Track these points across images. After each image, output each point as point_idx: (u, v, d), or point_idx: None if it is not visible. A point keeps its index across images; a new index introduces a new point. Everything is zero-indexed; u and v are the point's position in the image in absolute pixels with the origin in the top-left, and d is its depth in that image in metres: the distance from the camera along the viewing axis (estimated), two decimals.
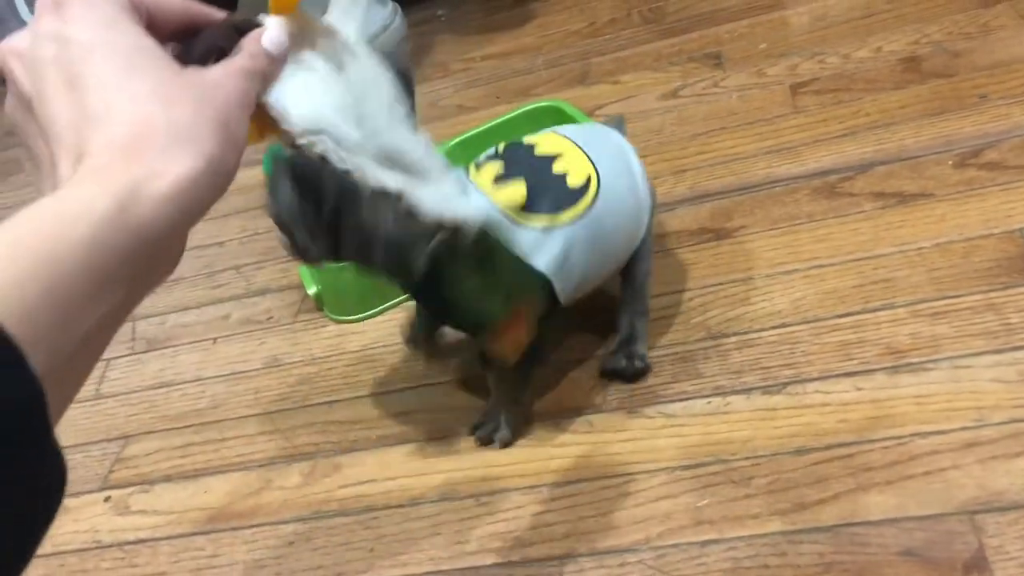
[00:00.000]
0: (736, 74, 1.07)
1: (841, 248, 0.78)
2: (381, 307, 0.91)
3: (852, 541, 0.57)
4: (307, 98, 0.44)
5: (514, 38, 1.39)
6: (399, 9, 1.58)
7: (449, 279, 0.59)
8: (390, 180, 0.48)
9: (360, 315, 0.90)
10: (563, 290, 0.66)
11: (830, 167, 0.88)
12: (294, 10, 0.43)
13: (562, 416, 0.73)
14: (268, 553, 0.71)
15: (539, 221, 0.64)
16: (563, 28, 1.36)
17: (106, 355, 1.01)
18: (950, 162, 0.83)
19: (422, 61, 1.44)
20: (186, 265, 1.08)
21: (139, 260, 0.32)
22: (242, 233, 1.14)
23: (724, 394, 0.70)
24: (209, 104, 0.36)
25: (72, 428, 0.91)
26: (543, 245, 0.64)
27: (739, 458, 0.65)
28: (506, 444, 0.72)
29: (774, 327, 0.74)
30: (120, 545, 0.76)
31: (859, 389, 0.66)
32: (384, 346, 0.87)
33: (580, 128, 0.75)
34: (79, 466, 0.86)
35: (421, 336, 0.76)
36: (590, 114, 1.10)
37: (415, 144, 0.50)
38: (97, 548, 0.77)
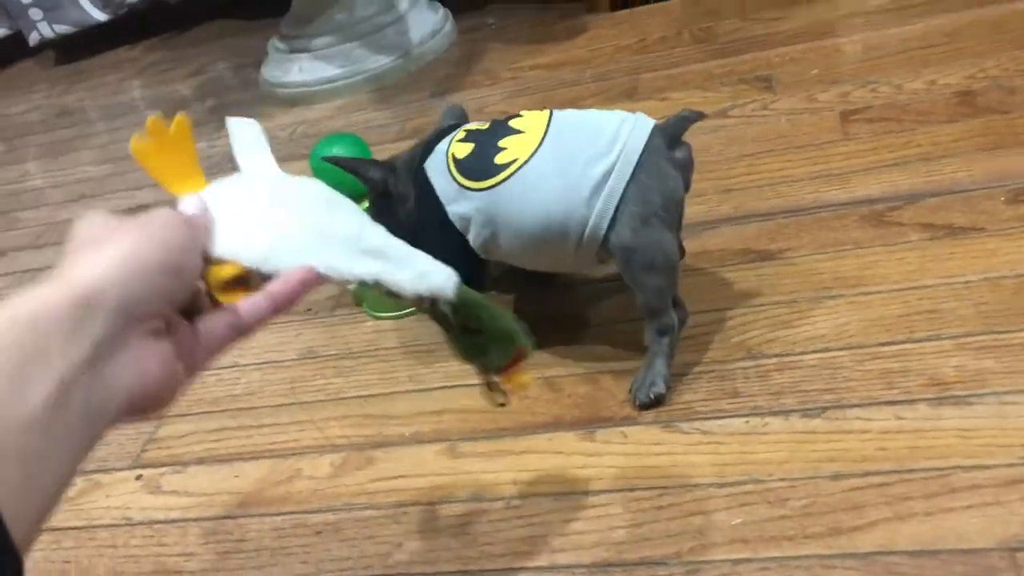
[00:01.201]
0: (786, 98, 1.07)
1: (887, 277, 0.78)
2: None
3: (888, 570, 0.56)
4: (248, 237, 0.48)
5: (564, 50, 1.40)
6: (450, 15, 1.60)
7: (448, 340, 0.59)
8: (363, 271, 0.49)
9: (398, 312, 0.91)
10: (473, 243, 0.76)
11: (879, 196, 0.87)
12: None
13: (596, 425, 0.73)
14: (296, 542, 0.71)
15: (463, 181, 0.73)
16: (613, 43, 1.36)
17: None
18: (1002, 198, 0.82)
19: (471, 68, 1.45)
20: None
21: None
22: None
23: (762, 415, 0.69)
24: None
25: None
26: (457, 200, 0.74)
27: (775, 479, 0.64)
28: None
29: (816, 351, 0.73)
30: (150, 523, 0.77)
31: (900, 418, 0.65)
32: (421, 344, 0.87)
33: (585, 117, 0.74)
34: (112, 443, 0.87)
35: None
36: None
37: (374, 232, 0.51)
38: (127, 525, 0.78)
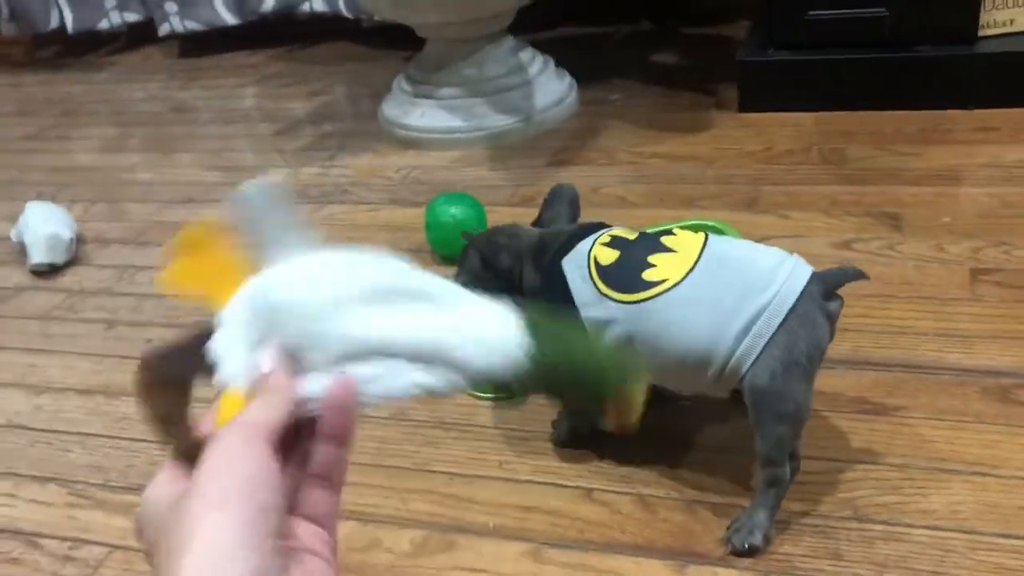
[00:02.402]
0: (914, 242, 1.05)
1: (1009, 461, 0.75)
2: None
3: None
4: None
5: (687, 143, 1.39)
6: (575, 85, 1.61)
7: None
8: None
9: (500, 394, 0.90)
10: None
11: (1005, 369, 0.85)
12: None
13: (689, 559, 0.71)
14: None
15: (604, 289, 0.72)
16: (738, 146, 1.35)
17: None
18: None
19: (589, 143, 1.45)
20: None
21: None
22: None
23: None
24: None
25: None
26: (594, 305, 0.72)
27: None
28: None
29: (926, 526, 0.71)
30: None
31: None
32: (514, 429, 0.87)
33: (742, 249, 0.73)
34: None
35: (566, 437, 0.77)
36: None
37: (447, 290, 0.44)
38: None
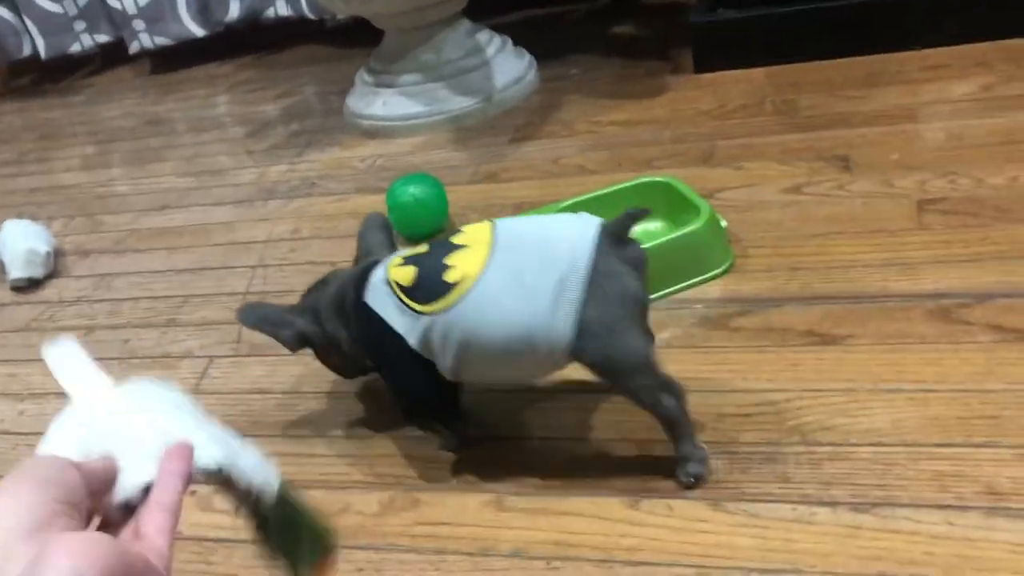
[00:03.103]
0: (863, 180, 1.07)
1: (950, 376, 0.77)
2: None
3: None
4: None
5: (643, 108, 1.41)
6: (535, 63, 1.64)
7: (259, 538, 0.58)
8: (213, 455, 0.53)
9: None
10: (441, 368, 0.74)
11: (948, 291, 0.87)
12: None
13: (643, 495, 0.73)
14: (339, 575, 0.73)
15: (416, 307, 0.72)
16: (693, 106, 1.37)
17: (210, 353, 1.06)
18: None
19: (549, 117, 1.47)
20: (298, 279, 1.12)
21: None
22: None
23: (810, 503, 0.69)
24: None
25: None
26: (413, 328, 0.73)
27: (817, 571, 0.64)
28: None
29: (870, 444, 0.73)
30: (199, 540, 0.79)
31: (951, 524, 0.65)
32: (475, 393, 0.89)
33: (528, 224, 0.74)
34: None
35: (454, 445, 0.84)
36: (708, 196, 1.11)
37: (215, 425, 0.55)
38: (177, 539, 0.80)
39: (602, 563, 0.69)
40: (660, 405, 0.71)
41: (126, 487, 0.49)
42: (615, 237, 0.69)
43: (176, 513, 0.48)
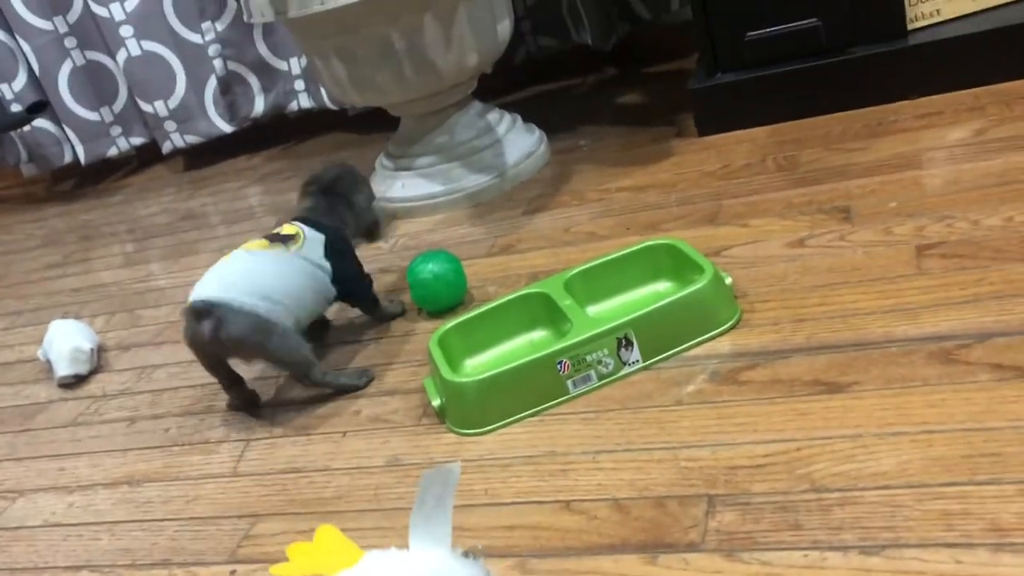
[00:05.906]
0: (863, 230, 1.10)
1: (952, 416, 0.79)
2: (500, 423, 0.96)
3: None
4: None
5: (650, 173, 1.46)
6: (545, 137, 1.70)
7: None
8: None
9: (479, 430, 0.96)
10: None
11: (948, 333, 0.89)
12: None
13: (659, 550, 0.76)
14: None
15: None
16: (699, 168, 1.42)
17: (246, 436, 1.10)
18: None
19: (560, 188, 1.53)
20: (331, 356, 1.17)
21: None
22: (378, 335, 1.23)
23: (822, 549, 0.71)
24: None
25: (207, 502, 1.00)
26: None
27: None
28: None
29: (877, 487, 0.75)
30: None
31: (958, 562, 0.66)
32: (497, 459, 0.92)
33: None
34: (210, 538, 0.94)
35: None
36: (714, 254, 1.15)
37: None
38: None
39: None
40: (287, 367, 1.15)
41: None
42: (194, 313, 1.10)
43: None
